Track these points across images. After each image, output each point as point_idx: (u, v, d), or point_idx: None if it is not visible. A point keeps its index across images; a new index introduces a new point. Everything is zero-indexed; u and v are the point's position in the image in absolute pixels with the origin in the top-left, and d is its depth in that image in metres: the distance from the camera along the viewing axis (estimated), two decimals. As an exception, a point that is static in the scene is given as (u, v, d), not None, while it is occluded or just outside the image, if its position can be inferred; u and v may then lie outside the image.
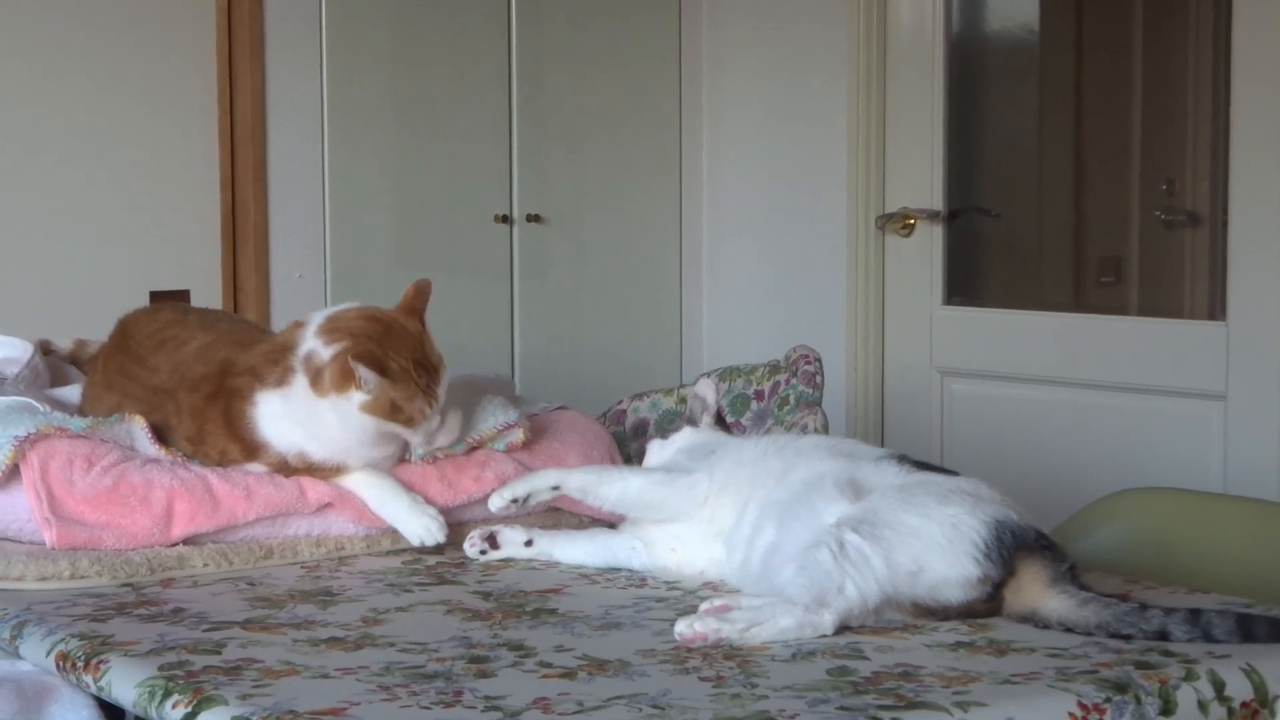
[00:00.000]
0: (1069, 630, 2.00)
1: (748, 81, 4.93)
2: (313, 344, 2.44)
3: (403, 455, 2.55)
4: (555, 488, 2.42)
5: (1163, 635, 1.95)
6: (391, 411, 2.40)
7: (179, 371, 2.54)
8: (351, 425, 2.42)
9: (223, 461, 2.46)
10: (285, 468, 2.46)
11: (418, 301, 2.50)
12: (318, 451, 2.45)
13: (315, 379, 2.41)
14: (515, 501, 2.43)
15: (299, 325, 2.49)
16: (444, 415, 2.49)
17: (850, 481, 2.17)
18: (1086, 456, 4.25)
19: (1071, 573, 2.05)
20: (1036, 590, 2.04)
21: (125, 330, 2.73)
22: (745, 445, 2.40)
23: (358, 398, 2.38)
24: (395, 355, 2.39)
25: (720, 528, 2.31)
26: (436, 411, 2.44)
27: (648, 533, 2.37)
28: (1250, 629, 1.95)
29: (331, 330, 2.44)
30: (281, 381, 2.43)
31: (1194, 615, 1.96)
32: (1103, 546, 2.81)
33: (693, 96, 5.01)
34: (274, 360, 2.45)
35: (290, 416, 2.44)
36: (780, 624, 1.95)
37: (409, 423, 2.42)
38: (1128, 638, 1.96)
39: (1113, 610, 1.99)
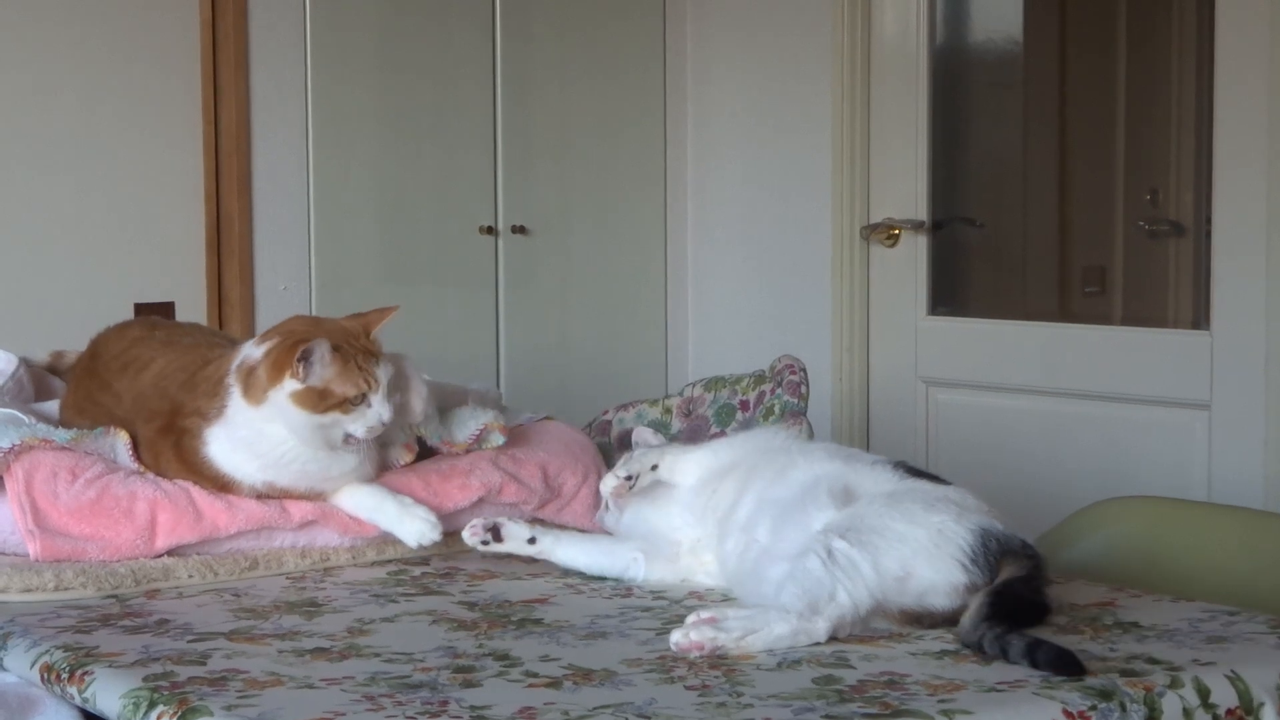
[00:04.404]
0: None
1: (732, 92, 4.94)
2: (246, 352, 2.41)
3: (381, 464, 2.53)
4: (654, 467, 2.37)
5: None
6: (321, 398, 2.33)
7: (138, 402, 2.51)
8: (291, 423, 2.34)
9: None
10: (262, 498, 2.44)
11: (372, 315, 2.45)
12: (280, 477, 2.41)
13: (249, 386, 2.36)
14: (630, 479, 2.36)
15: (239, 347, 2.47)
16: (403, 403, 2.45)
17: (844, 488, 2.18)
18: (1071, 466, 4.25)
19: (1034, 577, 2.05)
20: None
21: (95, 350, 2.70)
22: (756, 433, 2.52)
23: (290, 386, 2.33)
24: (326, 339, 2.33)
25: (716, 507, 2.32)
26: (377, 393, 2.35)
27: (650, 543, 2.37)
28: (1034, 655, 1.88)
29: (264, 336, 2.43)
30: (221, 411, 2.39)
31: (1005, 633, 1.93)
32: (1087, 555, 2.82)
33: (677, 107, 5.02)
34: (213, 392, 2.41)
35: (238, 446, 2.40)
36: (775, 632, 1.95)
37: (342, 406, 2.33)
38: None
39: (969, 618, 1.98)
